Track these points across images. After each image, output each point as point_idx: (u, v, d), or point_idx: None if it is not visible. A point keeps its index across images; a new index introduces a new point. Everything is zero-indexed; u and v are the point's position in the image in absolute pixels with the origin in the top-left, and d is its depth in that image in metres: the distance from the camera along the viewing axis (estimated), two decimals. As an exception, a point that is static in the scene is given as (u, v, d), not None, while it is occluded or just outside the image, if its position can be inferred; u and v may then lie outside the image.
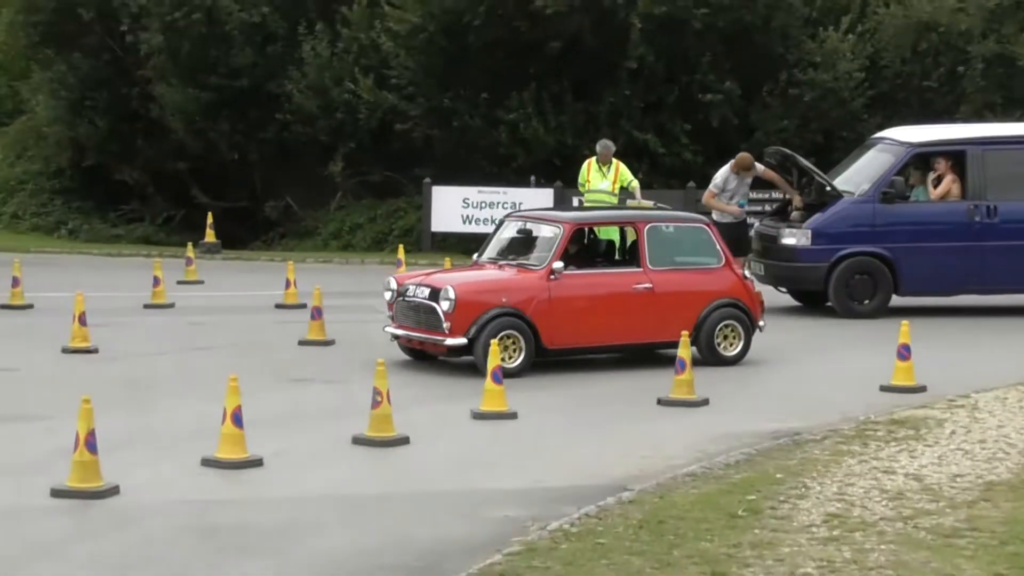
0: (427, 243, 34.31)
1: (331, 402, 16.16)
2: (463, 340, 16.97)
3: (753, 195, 25.36)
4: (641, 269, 17.92)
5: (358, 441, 13.90)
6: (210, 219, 35.80)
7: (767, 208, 27.37)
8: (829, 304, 23.15)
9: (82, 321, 19.18)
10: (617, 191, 27.35)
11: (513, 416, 15.07)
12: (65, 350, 19.13)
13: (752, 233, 24.66)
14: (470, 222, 34.02)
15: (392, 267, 28.01)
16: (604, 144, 28.02)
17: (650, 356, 18.67)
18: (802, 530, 10.48)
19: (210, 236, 35.13)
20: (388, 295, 18.07)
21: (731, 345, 18.12)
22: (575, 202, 31.11)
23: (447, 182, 34.29)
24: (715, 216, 24.67)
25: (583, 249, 18.58)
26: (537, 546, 10.10)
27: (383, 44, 35.43)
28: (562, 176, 32.97)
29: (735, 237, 24.18)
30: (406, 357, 18.03)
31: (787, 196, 24.54)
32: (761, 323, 18.60)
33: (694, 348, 17.33)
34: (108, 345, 19.12)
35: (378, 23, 35.67)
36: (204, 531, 10.98)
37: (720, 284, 18.32)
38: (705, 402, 15.84)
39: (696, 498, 11.43)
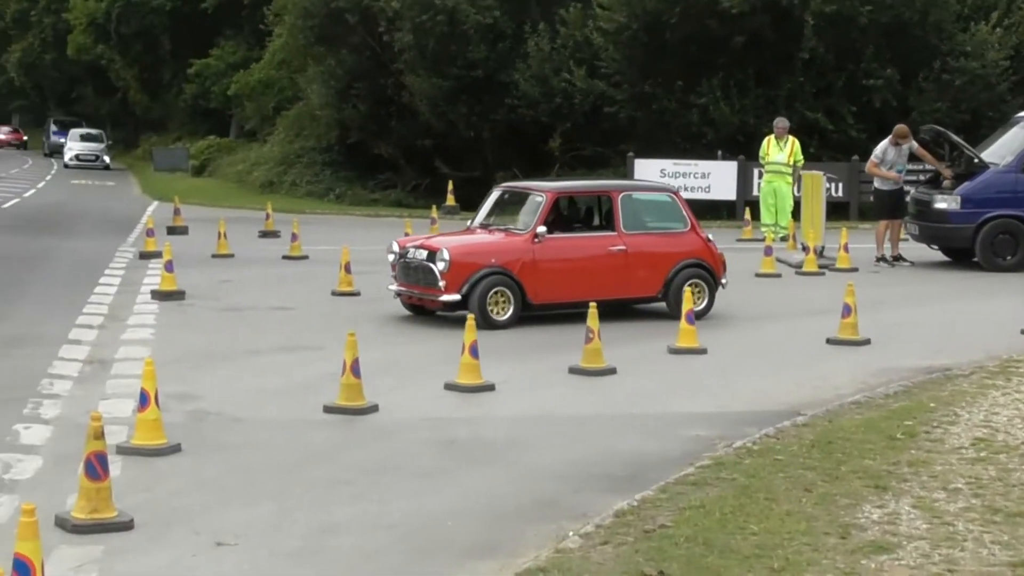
0: (630, 207, 34.17)
1: (551, 338, 16.16)
2: (457, 296, 16.54)
3: (908, 167, 24.83)
4: (616, 233, 17.25)
5: (573, 371, 13.89)
6: (451, 186, 36.23)
7: (921, 178, 26.78)
8: (975, 260, 22.67)
9: (347, 269, 19.52)
10: (792, 163, 27.06)
11: (703, 352, 14.94)
12: (334, 293, 19.48)
13: (908, 199, 24.21)
14: (667, 189, 33.87)
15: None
16: (781, 121, 27.73)
17: (815, 304, 18.46)
18: (952, 451, 10.24)
19: (450, 200, 35.57)
20: (391, 257, 17.59)
21: (698, 301, 17.01)
22: (756, 173, 30.90)
23: (647, 155, 34.24)
24: (876, 183, 24.25)
25: (564, 215, 17.90)
26: (724, 460, 10.00)
27: (594, 40, 35.45)
28: (745, 150, 32.72)
29: (893, 201, 23.77)
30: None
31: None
32: (724, 281, 17.81)
33: (663, 303, 17.32)
34: (368, 289, 19.36)
35: (590, 23, 35.75)
36: (445, 443, 11.06)
37: (686, 246, 17.53)
38: (867, 341, 15.55)
39: (860, 422, 11.22)
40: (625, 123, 35.88)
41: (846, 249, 22.65)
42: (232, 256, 24.44)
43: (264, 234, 28.60)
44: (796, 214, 26.48)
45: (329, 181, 43.66)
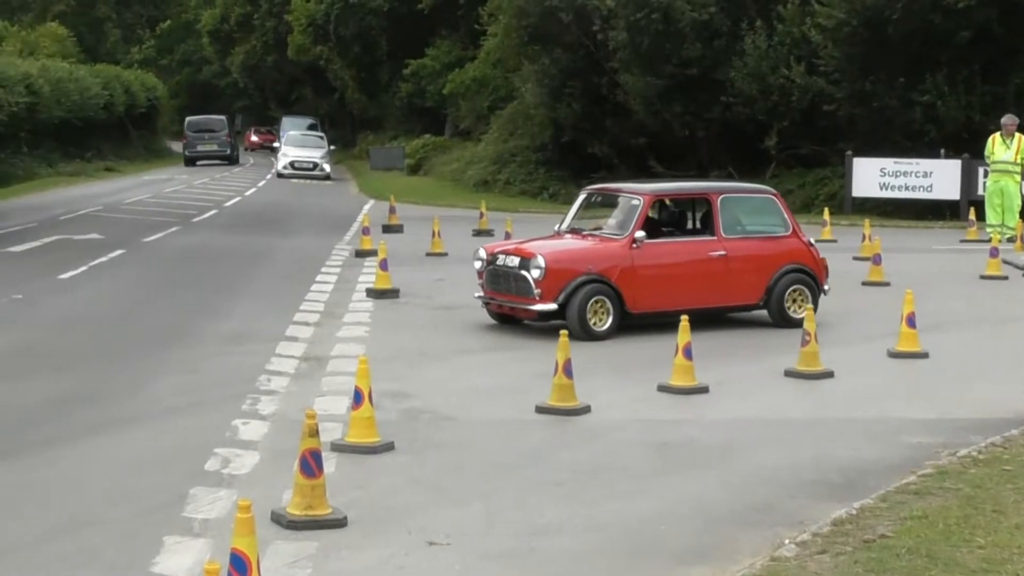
0: (848, 207, 33.73)
1: (766, 340, 15.93)
2: (553, 305, 15.80)
3: None
4: (715, 237, 16.56)
5: (789, 373, 13.65)
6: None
7: None
8: None
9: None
10: (1019, 161, 26.32)
11: (924, 356, 14.56)
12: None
13: None
14: (887, 188, 33.42)
15: (818, 227, 27.52)
16: (1009, 118, 26.99)
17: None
18: None
19: (665, 200, 35.25)
20: (478, 264, 16.86)
21: (800, 308, 16.32)
22: (981, 172, 30.09)
23: (866, 154, 33.67)
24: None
25: (659, 218, 17.19)
26: (948, 469, 9.71)
27: (813, 37, 34.92)
28: (969, 148, 31.87)
29: None
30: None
31: None
32: (826, 287, 17.08)
33: (764, 311, 16.60)
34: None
35: (808, 19, 35.18)
36: (658, 445, 10.95)
37: (788, 251, 16.82)
38: (1098, 348, 15.05)
39: (1091, 432, 10.83)
40: (844, 121, 35.26)
41: (1076, 251, 21.93)
42: (446, 255, 24.63)
43: (478, 232, 28.77)
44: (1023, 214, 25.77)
45: (543, 180, 43.80)
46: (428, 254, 24.97)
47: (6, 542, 8.19)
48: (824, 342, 13.91)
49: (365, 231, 26.19)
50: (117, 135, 69.11)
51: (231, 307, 18.22)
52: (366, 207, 39.15)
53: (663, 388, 12.89)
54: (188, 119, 76.05)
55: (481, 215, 30.26)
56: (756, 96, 36.27)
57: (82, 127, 59.64)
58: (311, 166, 58.39)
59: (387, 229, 29.44)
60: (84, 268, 22.21)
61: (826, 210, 29.43)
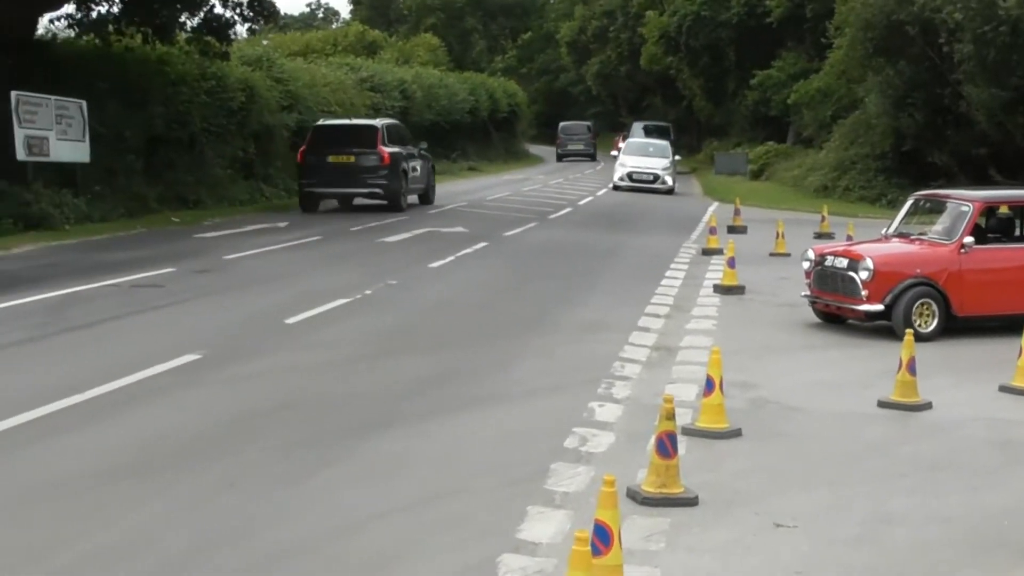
0: None
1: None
2: (880, 306, 15.38)
3: None
4: None
5: None
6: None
7: None
8: None
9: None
10: None
11: None
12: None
13: None
14: None
15: None
16: None
17: None
18: None
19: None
20: (806, 264, 16.52)
21: None
22: None
23: None
24: None
25: (987, 225, 16.32)
26: None
27: None
28: None
29: None
30: None
31: None
32: None
33: None
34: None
35: None
36: (1001, 443, 10.61)
37: None
38: None
39: None
40: None
41: None
42: (788, 255, 24.36)
43: (819, 235, 28.34)
44: None
45: (882, 187, 42.90)
46: (771, 254, 24.77)
47: (385, 506, 8.48)
48: None
49: (712, 231, 26.14)
50: (480, 137, 70.77)
51: (586, 298, 18.44)
52: (711, 209, 39.03)
53: (1005, 388, 12.49)
54: (561, 124, 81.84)
55: (823, 219, 29.83)
56: (1102, 107, 34.64)
57: (449, 129, 61.24)
58: (652, 178, 48.35)
59: (732, 230, 29.31)
60: (451, 258, 22.81)
61: None
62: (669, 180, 48.23)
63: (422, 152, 36.92)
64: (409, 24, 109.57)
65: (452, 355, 13.93)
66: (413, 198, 35.81)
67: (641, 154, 49.91)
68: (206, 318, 15.95)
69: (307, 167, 32.94)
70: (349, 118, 38.27)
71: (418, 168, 35.71)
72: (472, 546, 7.72)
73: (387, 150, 33.13)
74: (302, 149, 33.45)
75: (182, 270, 20.15)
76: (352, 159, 32.87)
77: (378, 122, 35.18)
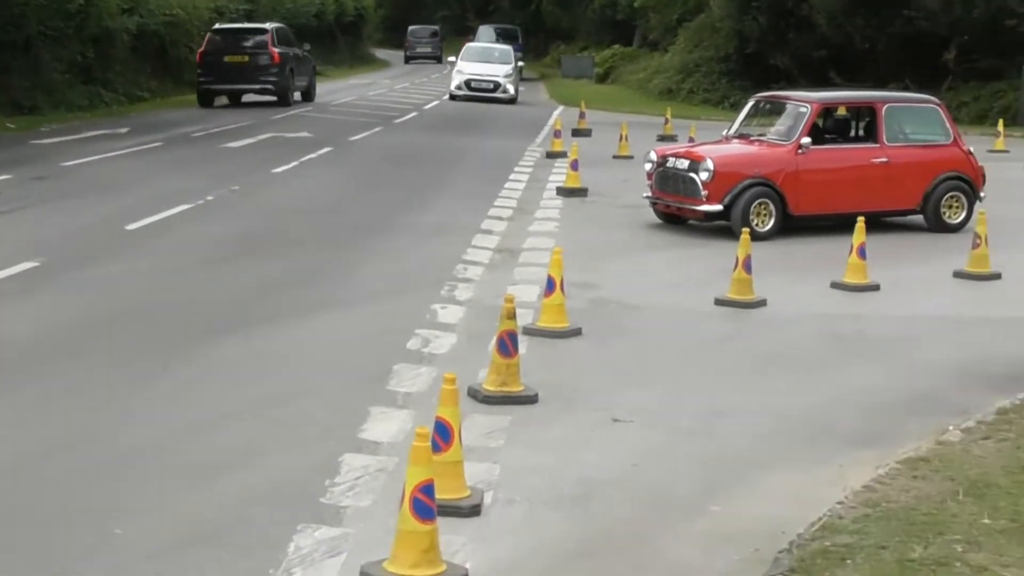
0: (1022, 118, 32.87)
1: (934, 243, 15.74)
2: (719, 206, 15.69)
3: None
4: (878, 145, 16.25)
5: (958, 275, 13.52)
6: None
7: None
8: None
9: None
10: None
11: (1093, 261, 14.30)
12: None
13: None
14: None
15: (991, 137, 26.95)
16: None
17: None
18: None
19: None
20: (648, 166, 16.76)
21: (955, 214, 16.36)
22: None
23: (1045, 68, 32.74)
24: None
25: (824, 125, 16.84)
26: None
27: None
28: None
29: None
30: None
31: None
32: (982, 194, 16.63)
33: (921, 216, 16.27)
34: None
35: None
36: (830, 337, 10.98)
37: (947, 159, 16.48)
38: None
39: None
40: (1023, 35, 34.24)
41: None
42: (632, 157, 24.62)
43: (662, 138, 28.62)
44: None
45: (725, 89, 43.48)
46: (615, 156, 25.01)
47: (229, 408, 8.54)
48: (993, 246, 13.70)
49: (556, 134, 26.28)
50: (326, 42, 69.84)
51: (431, 202, 18.50)
52: (556, 112, 39.18)
53: (836, 285, 12.87)
54: (410, 28, 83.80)
55: (666, 121, 30.14)
56: (938, 10, 35.35)
57: (295, 33, 60.40)
58: (492, 87, 43.94)
59: (576, 133, 29.46)
60: (295, 164, 22.66)
61: (1000, 121, 28.80)
62: (511, 88, 44.27)
63: (306, 53, 40.45)
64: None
65: (296, 260, 13.93)
66: (297, 95, 38.45)
67: (482, 60, 45.63)
68: (44, 225, 15.72)
69: (204, 66, 36.22)
70: (242, 22, 42.44)
71: (303, 67, 39.50)
72: (315, 446, 7.82)
73: (277, 50, 36.55)
74: (200, 51, 36.70)
75: (18, 177, 19.76)
76: (246, 59, 36.38)
77: (268, 25, 38.81)
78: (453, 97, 44.11)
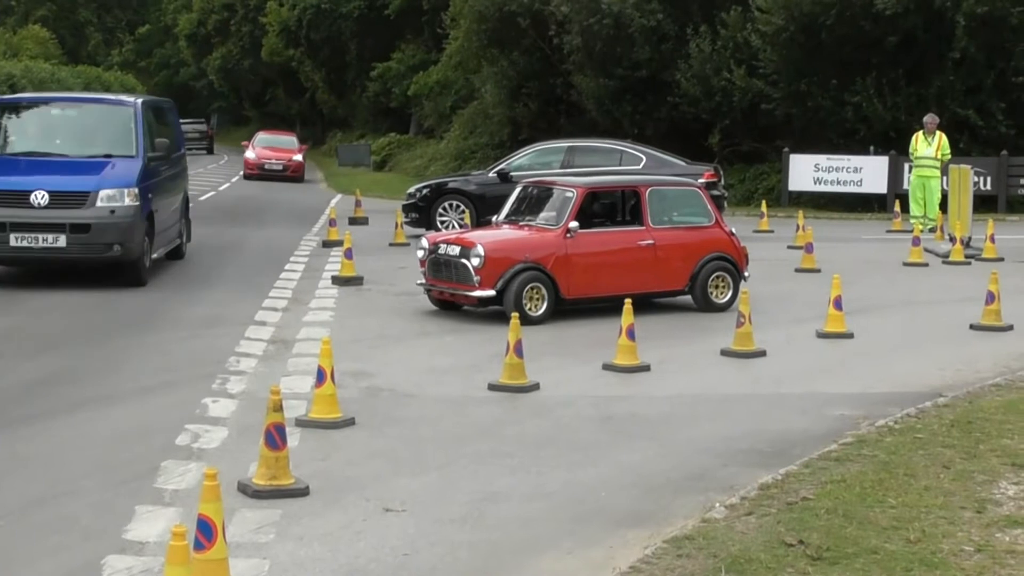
0: (785, 200, 34.00)
1: (701, 322, 16.07)
2: (492, 292, 15.85)
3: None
4: (644, 227, 16.68)
5: (725, 353, 13.81)
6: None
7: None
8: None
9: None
10: (940, 157, 26.70)
11: (850, 336, 14.76)
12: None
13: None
14: (820, 183, 33.85)
15: (756, 218, 27.78)
16: (930, 117, 27.42)
17: (960, 292, 18.08)
18: (1090, 433, 9.97)
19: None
20: (420, 253, 16.85)
21: (722, 294, 16.82)
22: (906, 168, 30.35)
23: (802, 151, 34.05)
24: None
25: (591, 210, 17.11)
26: (866, 438, 9.86)
27: (753, 41, 35.15)
28: (896, 146, 32.20)
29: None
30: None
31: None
32: (746, 273, 17.26)
33: (689, 296, 16.85)
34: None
35: (749, 25, 35.39)
36: (602, 419, 11.06)
37: (711, 240, 16.98)
38: (1010, 328, 15.25)
39: (1000, 404, 10.99)
40: (781, 120, 35.48)
41: (992, 240, 22.14)
42: (408, 244, 24.67)
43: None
44: (944, 206, 26.01)
45: (501, 176, 43.96)
46: (391, 244, 25.02)
47: (-11, 511, 8.23)
48: (758, 324, 14.07)
49: (332, 223, 26.19)
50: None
51: (204, 294, 18.22)
52: (333, 200, 39.12)
53: (608, 367, 13.01)
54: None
55: (442, 208, 30.23)
56: (700, 97, 36.43)
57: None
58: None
59: (353, 221, 29.44)
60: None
61: (763, 203, 29.72)
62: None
63: None
64: (17, 16, 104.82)
65: (60, 357, 13.54)
66: None
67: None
68: None
69: None
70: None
71: None
72: (77, 549, 7.56)
73: None
74: None
75: None
76: None
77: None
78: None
